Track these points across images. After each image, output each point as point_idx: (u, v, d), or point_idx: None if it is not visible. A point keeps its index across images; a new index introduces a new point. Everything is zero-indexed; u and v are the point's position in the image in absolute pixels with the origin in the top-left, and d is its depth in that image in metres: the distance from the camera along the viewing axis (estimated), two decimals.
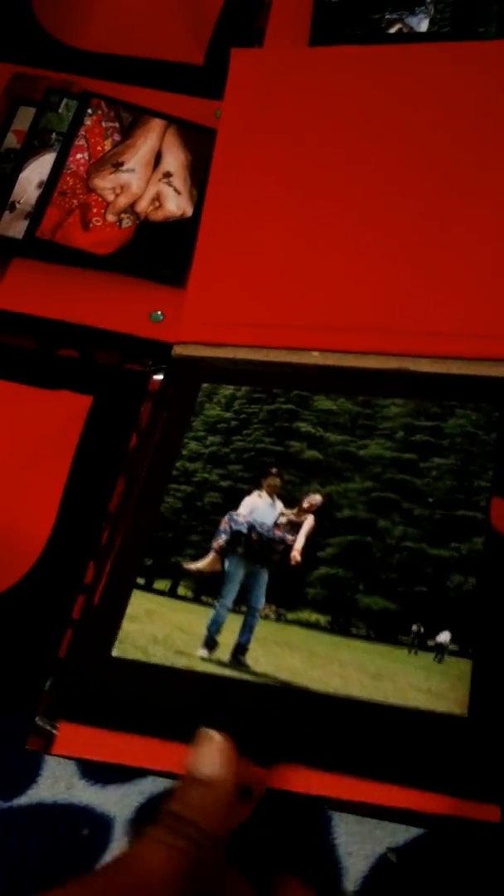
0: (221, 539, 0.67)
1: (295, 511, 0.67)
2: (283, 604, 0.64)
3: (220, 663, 0.62)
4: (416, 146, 0.81)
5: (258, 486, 0.69)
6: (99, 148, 0.86)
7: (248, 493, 0.69)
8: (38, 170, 0.86)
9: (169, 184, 0.84)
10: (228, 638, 0.63)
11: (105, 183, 0.85)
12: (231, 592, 0.65)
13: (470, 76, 0.83)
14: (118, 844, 0.60)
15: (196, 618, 0.64)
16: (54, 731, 0.61)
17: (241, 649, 0.62)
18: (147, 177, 0.85)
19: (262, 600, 0.64)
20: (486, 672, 0.58)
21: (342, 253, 0.78)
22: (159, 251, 0.82)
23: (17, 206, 0.85)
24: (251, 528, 0.67)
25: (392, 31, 0.88)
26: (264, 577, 0.65)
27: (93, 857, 0.60)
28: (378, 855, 0.58)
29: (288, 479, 0.69)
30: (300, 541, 0.66)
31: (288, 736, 0.58)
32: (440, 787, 0.55)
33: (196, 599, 0.65)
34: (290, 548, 0.66)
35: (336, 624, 0.62)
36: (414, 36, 0.87)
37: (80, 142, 0.86)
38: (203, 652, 0.62)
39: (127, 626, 0.64)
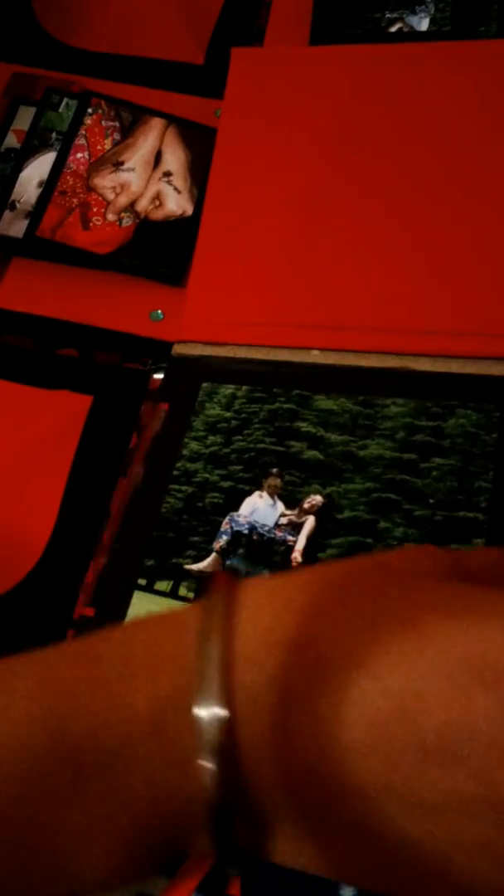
0: (222, 540, 0.67)
1: (296, 512, 0.67)
2: None
3: None
4: (417, 145, 0.81)
5: (259, 487, 0.69)
6: (99, 147, 0.86)
7: (249, 493, 0.69)
8: (38, 169, 0.86)
9: (169, 183, 0.84)
10: None
11: (105, 182, 0.85)
12: None
13: (470, 75, 0.82)
14: None
15: None
16: None
17: None
18: (147, 176, 0.85)
19: None
20: None
21: (342, 251, 0.78)
22: (159, 250, 0.82)
23: (18, 205, 0.85)
24: (252, 528, 0.67)
25: (392, 30, 0.87)
26: None
27: None
28: None
29: (289, 479, 0.69)
30: (301, 542, 0.66)
31: None
32: None
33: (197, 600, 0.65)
34: (291, 549, 0.66)
35: None
36: (414, 35, 0.87)
37: (81, 141, 0.86)
38: None
39: None
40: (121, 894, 0.29)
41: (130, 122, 0.87)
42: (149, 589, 0.66)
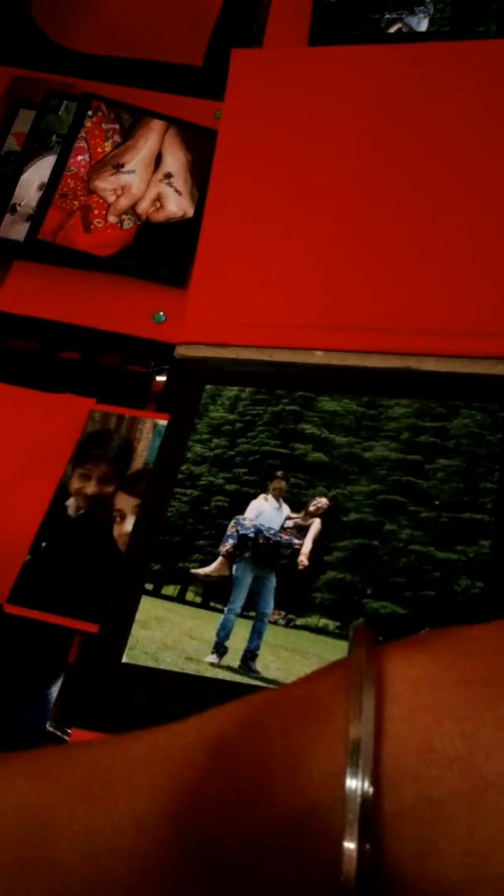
0: (228, 544, 0.67)
1: (301, 515, 0.67)
2: (291, 609, 0.64)
3: (229, 669, 0.62)
4: (417, 145, 0.81)
5: (264, 490, 0.69)
6: (99, 150, 0.86)
7: (255, 496, 0.69)
8: (38, 172, 0.86)
9: (170, 184, 0.84)
10: (238, 643, 0.63)
11: (106, 184, 0.85)
12: (240, 598, 0.65)
13: (469, 75, 0.82)
14: None
15: (205, 623, 0.64)
16: (66, 738, 0.61)
17: (250, 655, 0.62)
18: (148, 178, 0.85)
19: (271, 605, 0.64)
20: None
21: (344, 251, 0.78)
22: (161, 252, 0.82)
23: (18, 208, 0.85)
24: (258, 532, 0.67)
25: (392, 30, 0.87)
26: (272, 582, 0.65)
27: None
28: None
29: (294, 482, 0.69)
30: (307, 545, 0.66)
31: None
32: None
33: (204, 605, 0.65)
34: (297, 552, 0.66)
35: (345, 629, 0.63)
36: (413, 35, 0.87)
37: (81, 144, 0.86)
38: (213, 658, 0.63)
39: (137, 632, 0.64)
40: None
41: (130, 124, 0.87)
42: (155, 594, 0.66)
